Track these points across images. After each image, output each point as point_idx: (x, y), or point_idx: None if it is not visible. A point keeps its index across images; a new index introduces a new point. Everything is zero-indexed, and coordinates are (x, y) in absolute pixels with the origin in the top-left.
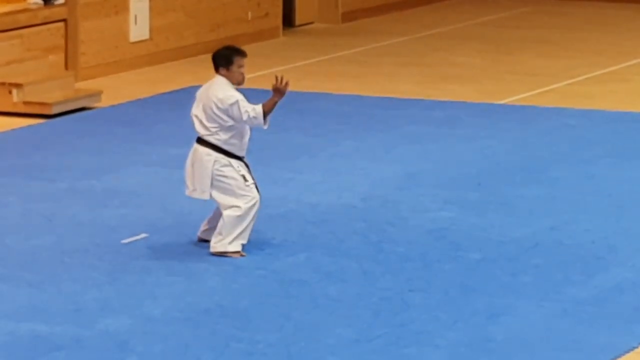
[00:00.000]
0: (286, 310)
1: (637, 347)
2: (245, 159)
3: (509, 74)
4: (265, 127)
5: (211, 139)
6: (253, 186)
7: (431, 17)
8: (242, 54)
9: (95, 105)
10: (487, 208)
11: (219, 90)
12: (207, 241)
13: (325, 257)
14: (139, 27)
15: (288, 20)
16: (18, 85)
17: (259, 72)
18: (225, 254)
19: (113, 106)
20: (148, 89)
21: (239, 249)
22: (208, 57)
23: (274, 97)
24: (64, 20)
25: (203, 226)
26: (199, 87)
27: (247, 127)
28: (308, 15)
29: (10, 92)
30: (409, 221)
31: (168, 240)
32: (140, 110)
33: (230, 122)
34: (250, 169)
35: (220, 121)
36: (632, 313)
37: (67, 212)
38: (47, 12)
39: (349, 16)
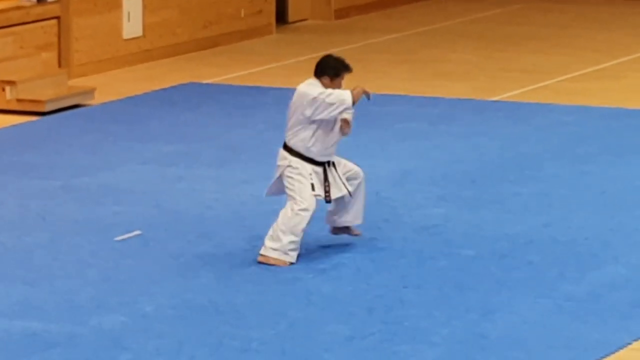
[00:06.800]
0: (280, 308)
1: (631, 344)
2: (326, 165)
3: (502, 70)
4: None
5: (290, 142)
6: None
7: (424, 14)
8: (349, 70)
9: (89, 102)
10: (481, 205)
11: (309, 87)
12: (343, 228)
13: (319, 254)
14: (132, 25)
15: (281, 17)
16: (11, 83)
17: (252, 69)
18: (268, 261)
19: (106, 103)
20: (141, 86)
21: (278, 256)
22: (201, 54)
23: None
24: (57, 17)
25: (330, 215)
26: (193, 84)
27: (331, 132)
28: (301, 12)
29: (3, 90)
30: (403, 218)
31: (162, 237)
32: (133, 108)
33: (309, 113)
34: (329, 175)
35: (304, 116)
36: (626, 309)
37: (61, 209)
38: (40, 10)
39: (342, 13)
